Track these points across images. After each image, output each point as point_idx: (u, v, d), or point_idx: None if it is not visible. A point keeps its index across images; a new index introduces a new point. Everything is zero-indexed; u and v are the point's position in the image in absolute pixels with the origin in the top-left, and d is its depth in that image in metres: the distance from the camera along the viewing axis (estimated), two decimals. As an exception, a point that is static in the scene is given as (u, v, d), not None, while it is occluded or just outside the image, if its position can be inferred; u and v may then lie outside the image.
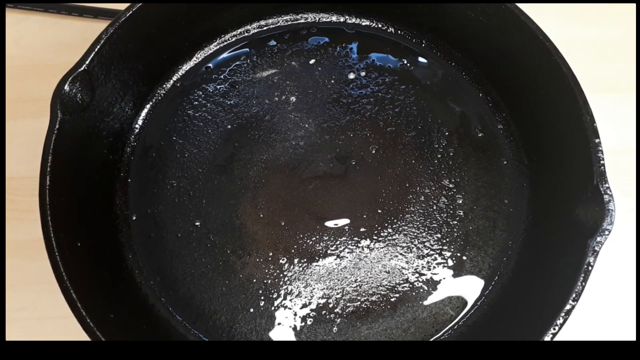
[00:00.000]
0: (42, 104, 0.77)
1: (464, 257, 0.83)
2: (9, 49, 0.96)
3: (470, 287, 0.83)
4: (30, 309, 0.84)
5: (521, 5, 0.81)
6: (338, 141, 0.88)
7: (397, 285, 0.83)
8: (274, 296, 0.81)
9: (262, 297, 0.81)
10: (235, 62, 0.93)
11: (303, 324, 0.81)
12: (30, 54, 0.97)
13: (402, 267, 0.83)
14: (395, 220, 0.84)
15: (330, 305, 0.82)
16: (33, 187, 0.73)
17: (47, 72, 0.93)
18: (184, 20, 0.88)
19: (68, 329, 0.81)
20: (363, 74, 0.92)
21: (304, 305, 0.82)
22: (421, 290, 0.82)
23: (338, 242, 0.83)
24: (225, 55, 0.94)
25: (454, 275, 0.83)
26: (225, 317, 0.81)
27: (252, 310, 0.81)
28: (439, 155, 0.88)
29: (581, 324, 0.87)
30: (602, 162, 0.74)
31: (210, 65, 0.93)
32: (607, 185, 0.72)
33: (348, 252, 0.84)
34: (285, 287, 0.82)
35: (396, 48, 0.94)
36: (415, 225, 0.84)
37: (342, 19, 0.96)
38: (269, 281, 0.82)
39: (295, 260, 0.83)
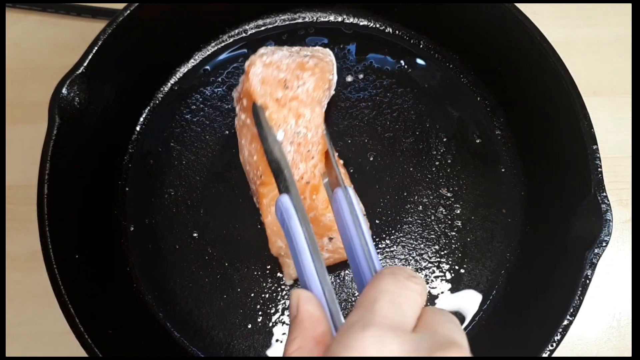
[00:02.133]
0: (40, 108, 0.70)
1: (462, 270, 0.77)
2: (8, 50, 0.89)
3: (468, 302, 0.77)
4: (28, 323, 0.79)
5: (519, 5, 0.75)
6: (336, 147, 0.80)
7: (395, 298, 0.75)
8: (272, 311, 0.75)
9: (260, 312, 0.75)
10: (233, 64, 0.86)
11: (301, 341, 0.73)
12: (28, 56, 0.90)
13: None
14: (393, 232, 0.78)
15: (328, 321, 0.75)
16: (31, 195, 0.68)
17: (46, 74, 0.87)
18: (181, 19, 0.81)
19: (67, 345, 0.75)
20: (361, 76, 0.84)
21: (302, 321, 0.75)
22: (419, 305, 0.75)
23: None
24: (223, 56, 0.87)
25: (452, 290, 0.77)
26: (223, 333, 0.75)
27: (249, 326, 0.75)
28: (437, 163, 0.81)
29: (577, 338, 0.80)
30: (599, 169, 0.68)
31: (208, 67, 0.86)
32: (604, 194, 0.66)
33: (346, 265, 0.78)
34: (282, 301, 0.76)
35: (394, 49, 0.87)
36: (413, 237, 0.78)
37: (339, 19, 0.88)
38: (267, 295, 0.76)
39: (293, 273, 0.77)
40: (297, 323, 0.44)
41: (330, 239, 0.70)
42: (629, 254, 0.81)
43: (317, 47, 0.79)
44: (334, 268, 0.77)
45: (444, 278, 0.77)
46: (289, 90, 0.67)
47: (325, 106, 0.73)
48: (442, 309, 0.43)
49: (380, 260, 0.77)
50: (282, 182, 0.56)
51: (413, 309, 0.43)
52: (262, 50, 0.73)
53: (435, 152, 0.81)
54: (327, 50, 0.79)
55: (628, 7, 0.91)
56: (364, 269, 0.52)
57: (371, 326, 0.40)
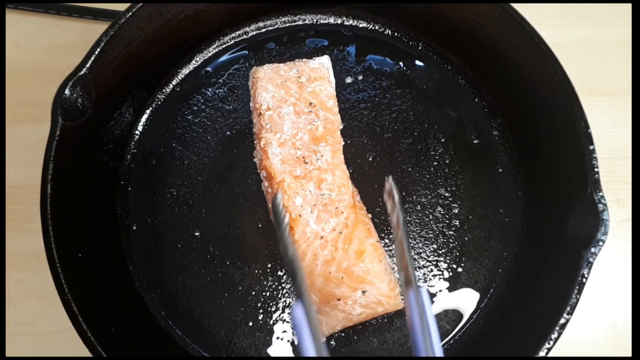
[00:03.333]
0: (42, 109, 0.71)
1: (460, 269, 0.77)
2: (9, 51, 0.89)
3: (466, 300, 0.77)
4: (30, 323, 0.79)
5: (516, 6, 0.75)
6: (336, 148, 0.80)
7: (394, 296, 0.76)
8: (273, 309, 0.75)
9: (261, 310, 0.75)
10: (234, 65, 0.86)
11: (301, 338, 0.73)
12: (30, 57, 0.90)
13: (399, 279, 0.75)
14: (392, 231, 0.77)
15: (328, 319, 0.75)
16: (34, 195, 0.68)
17: (48, 75, 0.86)
18: (182, 21, 0.81)
19: (69, 344, 0.75)
20: (360, 77, 0.84)
21: (302, 320, 0.75)
22: (418, 303, 0.75)
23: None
24: (224, 58, 0.87)
25: (450, 289, 0.77)
26: (224, 330, 0.75)
27: (251, 324, 0.75)
28: (435, 163, 0.80)
29: (575, 338, 0.80)
30: (596, 169, 0.68)
31: (209, 69, 0.85)
32: (601, 194, 0.66)
33: (345, 263, 0.77)
34: (283, 299, 0.75)
35: (393, 51, 0.87)
36: (411, 236, 0.78)
37: (339, 21, 0.88)
38: (268, 294, 0.75)
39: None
40: None
41: (364, 292, 0.70)
42: (627, 253, 0.81)
43: (310, 60, 0.79)
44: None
45: (441, 277, 0.77)
46: (309, 165, 0.72)
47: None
48: None
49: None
50: (297, 287, 0.56)
51: None
52: (259, 74, 0.77)
53: (433, 153, 0.81)
54: (322, 58, 0.80)
55: (628, 7, 0.91)
56: None
57: None
